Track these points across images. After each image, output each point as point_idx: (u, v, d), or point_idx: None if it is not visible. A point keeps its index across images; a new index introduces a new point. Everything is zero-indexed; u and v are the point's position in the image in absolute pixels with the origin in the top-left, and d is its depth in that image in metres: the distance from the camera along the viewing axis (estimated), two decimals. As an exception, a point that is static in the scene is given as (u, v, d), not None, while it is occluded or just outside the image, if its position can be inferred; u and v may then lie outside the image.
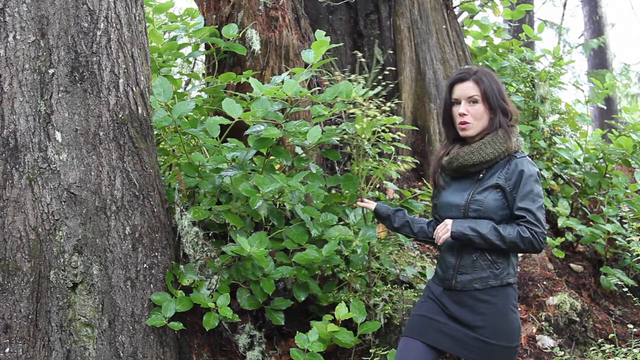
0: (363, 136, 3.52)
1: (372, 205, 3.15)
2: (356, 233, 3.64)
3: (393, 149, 3.87)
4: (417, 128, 5.00)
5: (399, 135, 3.75)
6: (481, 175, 2.69)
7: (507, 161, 2.67)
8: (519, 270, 4.56)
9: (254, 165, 3.70)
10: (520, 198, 2.59)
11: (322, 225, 3.68)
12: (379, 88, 3.75)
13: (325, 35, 3.65)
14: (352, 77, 3.69)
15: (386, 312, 3.69)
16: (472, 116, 2.69)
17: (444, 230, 2.65)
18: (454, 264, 2.70)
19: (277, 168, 3.82)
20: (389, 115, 3.60)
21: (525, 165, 2.63)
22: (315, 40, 3.63)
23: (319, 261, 3.50)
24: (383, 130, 3.69)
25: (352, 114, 3.55)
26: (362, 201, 3.26)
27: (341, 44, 4.98)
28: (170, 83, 3.47)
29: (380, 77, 4.32)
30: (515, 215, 2.61)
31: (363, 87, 3.66)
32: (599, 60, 14.44)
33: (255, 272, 3.45)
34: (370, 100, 3.59)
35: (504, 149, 2.66)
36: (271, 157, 3.76)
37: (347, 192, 3.78)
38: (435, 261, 2.96)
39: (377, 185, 4.01)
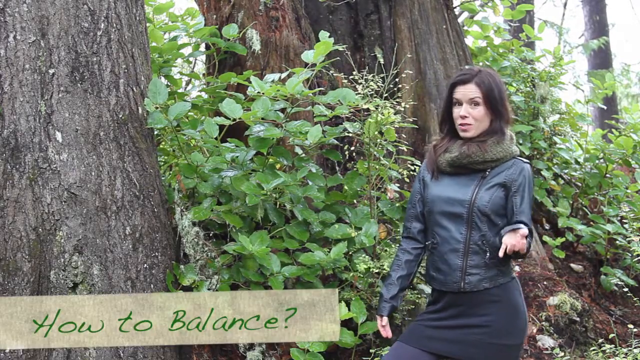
0: (372, 135, 3.51)
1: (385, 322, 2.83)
2: (358, 229, 3.64)
3: (394, 148, 3.87)
4: (416, 126, 5.00)
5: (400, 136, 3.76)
6: (486, 173, 2.69)
7: (513, 163, 2.70)
8: (519, 270, 4.56)
9: (254, 165, 3.69)
10: (520, 212, 2.62)
11: (322, 224, 3.68)
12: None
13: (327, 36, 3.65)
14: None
15: None
16: (473, 118, 2.68)
17: (519, 239, 2.49)
18: (461, 265, 2.66)
19: (277, 168, 3.82)
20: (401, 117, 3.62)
21: (529, 173, 2.68)
22: (316, 40, 3.63)
23: (326, 263, 3.49)
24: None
25: (366, 110, 3.54)
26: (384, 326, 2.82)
27: (345, 45, 4.98)
28: (164, 84, 3.44)
29: (380, 77, 4.32)
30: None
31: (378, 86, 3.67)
32: (600, 60, 14.41)
33: (257, 273, 3.44)
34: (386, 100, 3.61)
35: (510, 150, 2.70)
36: (271, 158, 3.75)
37: (350, 189, 3.77)
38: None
39: (378, 185, 4.01)
